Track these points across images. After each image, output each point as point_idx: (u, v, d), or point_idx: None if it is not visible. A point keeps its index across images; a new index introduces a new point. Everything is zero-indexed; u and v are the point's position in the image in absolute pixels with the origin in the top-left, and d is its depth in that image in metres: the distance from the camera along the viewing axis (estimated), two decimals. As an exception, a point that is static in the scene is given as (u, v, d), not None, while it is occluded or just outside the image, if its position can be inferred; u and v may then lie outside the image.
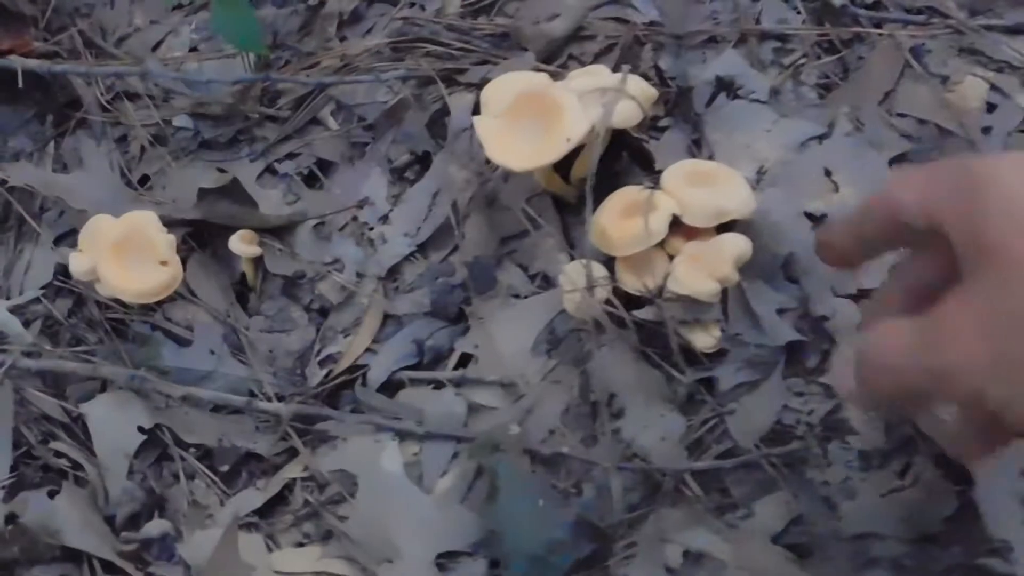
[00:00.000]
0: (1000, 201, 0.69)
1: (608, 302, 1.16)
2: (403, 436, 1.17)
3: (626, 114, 1.19)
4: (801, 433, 1.12)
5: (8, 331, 1.29)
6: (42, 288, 1.33)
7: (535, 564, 1.05)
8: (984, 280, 0.69)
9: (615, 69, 1.28)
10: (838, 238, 0.85)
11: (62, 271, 1.33)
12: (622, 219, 1.16)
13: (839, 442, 1.12)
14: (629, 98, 1.20)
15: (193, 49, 1.49)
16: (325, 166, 1.37)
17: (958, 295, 0.71)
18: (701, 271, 1.14)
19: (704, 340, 1.14)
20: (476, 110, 1.33)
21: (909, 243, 0.85)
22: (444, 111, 1.36)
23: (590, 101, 1.20)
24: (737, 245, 1.15)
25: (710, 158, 1.29)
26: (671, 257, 1.17)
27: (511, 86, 1.22)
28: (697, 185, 1.15)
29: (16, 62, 1.39)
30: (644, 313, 1.16)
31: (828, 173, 1.21)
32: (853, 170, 1.20)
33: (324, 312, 1.28)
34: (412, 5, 1.47)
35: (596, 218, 1.17)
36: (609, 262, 1.18)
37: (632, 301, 1.17)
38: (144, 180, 1.39)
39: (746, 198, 1.15)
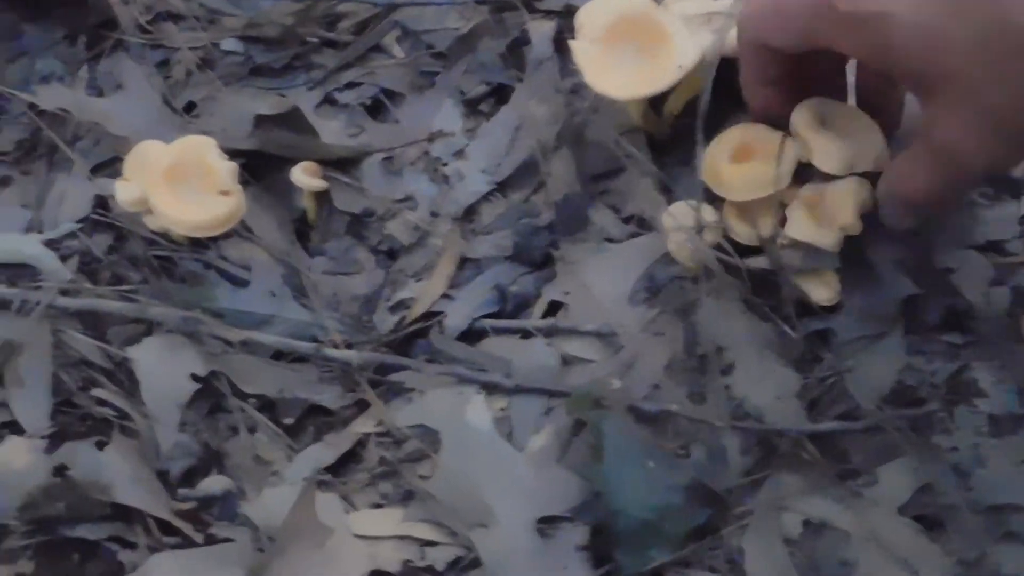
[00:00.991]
0: None
1: (718, 246, 1.05)
2: (490, 389, 1.06)
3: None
4: (925, 395, 1.03)
5: (42, 267, 1.17)
6: (79, 222, 1.20)
7: (645, 530, 0.95)
8: None
9: (714, -3, 1.17)
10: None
11: (100, 203, 1.20)
12: (737, 160, 1.05)
13: (966, 405, 1.03)
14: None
15: (240, -35, 1.37)
16: (390, 96, 1.26)
17: None
18: (821, 217, 1.04)
19: (822, 292, 1.05)
20: (558, 39, 1.23)
21: None
22: (521, 40, 1.25)
23: (696, 27, 1.10)
24: (860, 191, 1.05)
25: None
26: (782, 203, 1.07)
27: (608, 8, 1.12)
28: (828, 128, 1.04)
29: (51, -26, 1.27)
30: (757, 261, 1.06)
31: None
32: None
33: (393, 254, 1.17)
34: (486, -76, 1.35)
35: (708, 156, 1.06)
36: (714, 204, 1.08)
37: (741, 247, 1.07)
38: (190, 107, 1.27)
39: (882, 152, 1.04)
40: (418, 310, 1.13)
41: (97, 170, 1.24)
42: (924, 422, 1.02)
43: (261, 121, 1.20)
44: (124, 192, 1.11)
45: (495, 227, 1.16)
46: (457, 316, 1.12)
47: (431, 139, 1.21)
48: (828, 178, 1.06)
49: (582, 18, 1.12)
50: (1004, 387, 1.03)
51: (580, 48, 1.09)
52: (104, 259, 1.19)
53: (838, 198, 1.05)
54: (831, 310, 1.06)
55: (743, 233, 1.06)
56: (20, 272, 1.18)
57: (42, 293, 1.14)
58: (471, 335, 1.11)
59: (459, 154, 1.20)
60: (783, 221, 1.05)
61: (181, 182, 1.10)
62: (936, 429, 1.01)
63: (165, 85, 1.29)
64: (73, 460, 1.02)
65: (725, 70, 1.15)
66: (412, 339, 1.13)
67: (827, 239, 1.03)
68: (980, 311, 1.05)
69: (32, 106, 1.29)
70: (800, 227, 1.03)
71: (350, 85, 1.27)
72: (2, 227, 1.22)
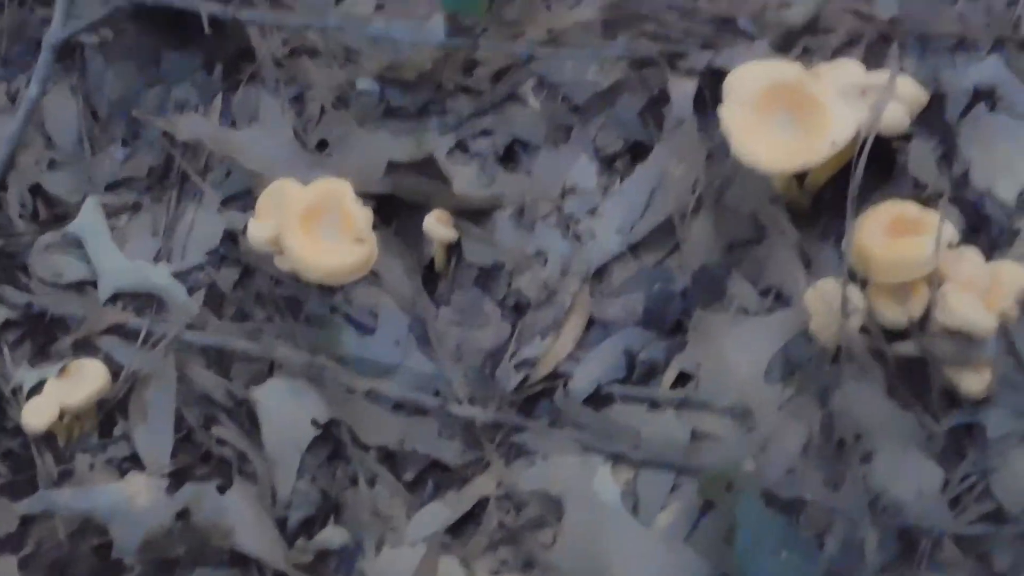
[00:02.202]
0: None
1: (863, 329, 1.02)
2: (616, 460, 1.03)
3: (895, 119, 1.05)
4: (1076, 503, 0.98)
5: (171, 299, 1.17)
6: (207, 254, 1.20)
7: (777, 622, 0.92)
8: None
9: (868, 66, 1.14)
10: None
11: (229, 237, 1.20)
12: (886, 239, 1.02)
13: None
14: (898, 101, 1.05)
15: (380, 6, 1.36)
16: (524, 147, 1.24)
17: None
18: (977, 302, 1.00)
19: (973, 383, 1.00)
20: (699, 99, 1.20)
21: None
22: (661, 98, 1.22)
23: (850, 100, 1.06)
24: (1019, 276, 1.01)
25: (964, 174, 1.15)
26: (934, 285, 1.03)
27: (760, 75, 1.08)
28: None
29: (199, 4, 1.27)
30: (905, 346, 1.02)
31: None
32: None
33: (520, 309, 1.15)
34: (627, -23, 1.33)
35: (855, 235, 1.03)
36: (859, 283, 1.04)
37: (888, 330, 1.03)
38: (322, 145, 1.27)
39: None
40: (543, 370, 1.11)
41: (228, 203, 1.24)
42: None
43: (394, 166, 1.19)
44: (257, 231, 1.10)
45: (626, 289, 1.14)
46: (583, 379, 1.09)
47: (564, 194, 1.19)
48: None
49: (733, 82, 1.08)
50: None
51: (730, 113, 1.06)
52: (229, 294, 1.18)
53: (995, 282, 1.01)
54: (980, 403, 1.01)
55: (891, 316, 1.02)
56: (147, 302, 1.19)
57: (169, 326, 1.13)
58: (597, 400, 1.09)
59: (593, 212, 1.18)
60: (934, 304, 1.01)
61: (317, 226, 1.09)
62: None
63: (299, 121, 1.28)
64: (195, 503, 1.01)
65: (875, 146, 1.12)
66: (536, 399, 1.11)
67: (984, 327, 0.99)
68: None
69: (166, 134, 1.29)
70: (954, 313, 0.99)
71: (484, 133, 1.25)
72: (132, 254, 1.22)
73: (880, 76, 1.08)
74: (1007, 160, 1.15)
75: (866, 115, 1.04)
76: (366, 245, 1.09)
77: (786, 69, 1.09)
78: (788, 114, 1.06)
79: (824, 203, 1.12)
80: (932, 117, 1.19)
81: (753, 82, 1.08)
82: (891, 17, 1.27)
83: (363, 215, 1.09)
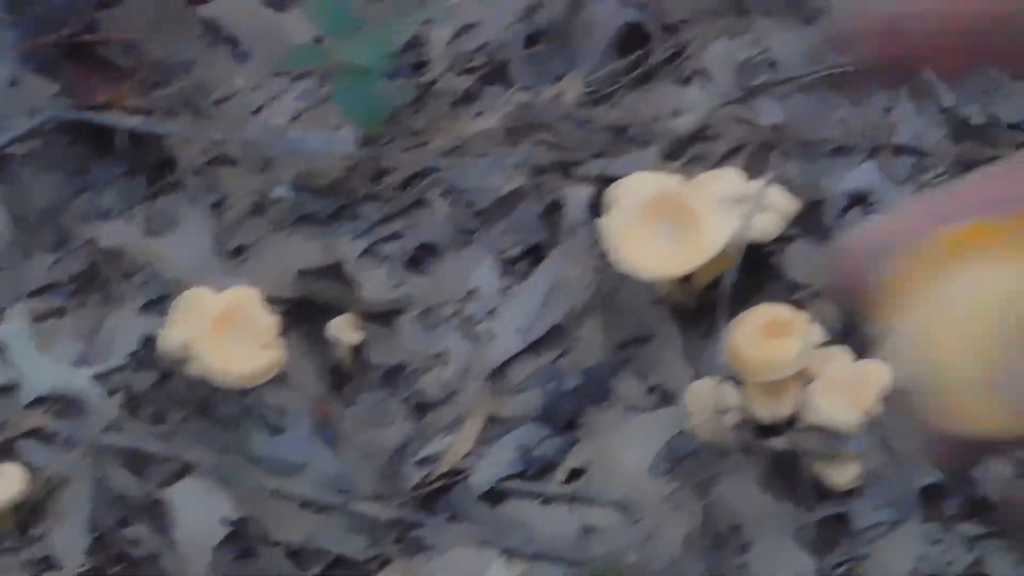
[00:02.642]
0: None
1: (737, 427, 1.08)
2: (509, 553, 1.09)
3: (766, 227, 1.13)
4: (940, 586, 1.05)
5: (90, 402, 1.22)
6: (126, 358, 1.26)
7: None
8: None
9: (747, 174, 1.22)
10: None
11: (147, 341, 1.25)
12: (759, 340, 1.09)
13: (982, 599, 1.04)
14: (769, 210, 1.13)
15: (295, 117, 1.43)
16: (430, 250, 1.31)
17: None
18: (842, 400, 1.07)
19: (840, 476, 1.07)
20: (592, 205, 1.27)
21: None
22: (558, 203, 1.29)
23: (727, 209, 1.14)
24: (881, 375, 1.08)
25: (840, 275, 1.22)
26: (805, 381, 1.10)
27: (643, 186, 1.16)
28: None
29: (115, 119, 1.34)
30: (777, 442, 1.09)
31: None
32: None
33: (424, 408, 1.21)
34: (528, 89, 1.41)
35: (730, 336, 1.10)
36: (739, 382, 1.11)
37: (763, 426, 1.10)
38: (240, 251, 1.33)
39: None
40: (444, 466, 1.16)
41: (148, 307, 1.30)
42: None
43: (304, 272, 1.25)
44: (168, 340, 1.16)
45: (524, 387, 1.20)
46: (482, 475, 1.15)
47: (467, 296, 1.25)
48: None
49: (616, 194, 1.16)
50: (1019, 579, 1.04)
51: (611, 224, 1.13)
52: (147, 396, 1.24)
53: (861, 380, 1.08)
54: (850, 494, 1.08)
55: (764, 413, 1.09)
56: (68, 405, 1.24)
57: (87, 429, 1.18)
58: (494, 495, 1.15)
59: (493, 313, 1.24)
60: (803, 403, 1.08)
61: (226, 333, 1.15)
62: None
63: (218, 227, 1.34)
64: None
65: (752, 250, 1.20)
66: (438, 495, 1.16)
67: (847, 423, 1.06)
68: (999, 503, 1.07)
69: (91, 240, 1.34)
70: (819, 409, 1.06)
71: (393, 237, 1.32)
72: (56, 358, 1.27)
73: (753, 185, 1.16)
74: (879, 260, 1.23)
75: (739, 223, 1.12)
76: (272, 351, 1.15)
77: (667, 181, 1.17)
78: (667, 224, 1.13)
79: (709, 304, 1.18)
80: (813, 220, 1.27)
81: (635, 194, 1.15)
82: (775, 124, 1.36)
83: (269, 322, 1.16)
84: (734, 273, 1.09)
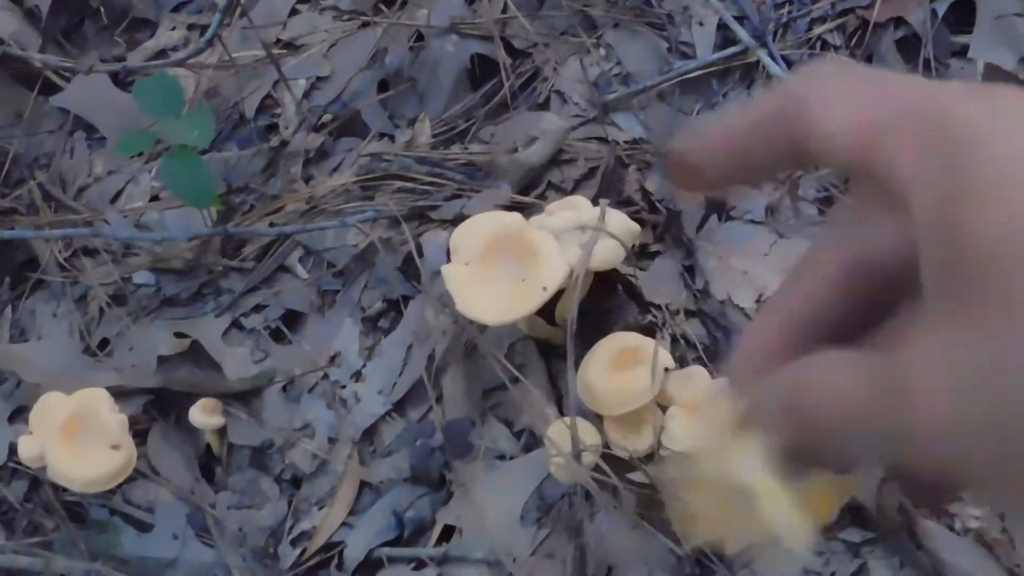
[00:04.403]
0: (998, 190, 0.42)
1: (598, 467, 1.05)
2: (381, 630, 1.06)
3: (607, 254, 1.09)
4: (824, 601, 1.01)
5: (-41, 522, 1.19)
6: (-3, 469, 1.23)
7: None
8: (969, 315, 0.43)
9: (598, 196, 1.18)
10: (707, 153, 0.52)
11: (17, 451, 1.22)
12: (610, 372, 1.05)
13: (868, 609, 1.00)
14: (609, 236, 1.09)
15: (155, 198, 1.40)
16: (294, 317, 1.28)
17: (930, 329, 0.45)
18: (699, 424, 1.03)
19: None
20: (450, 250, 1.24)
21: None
22: (418, 252, 1.26)
23: (569, 240, 1.10)
24: (737, 393, 1.04)
25: (705, 286, 1.19)
26: (664, 408, 1.06)
27: (482, 229, 1.12)
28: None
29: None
30: (638, 476, 1.05)
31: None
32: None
33: (297, 482, 1.18)
34: (382, 137, 1.38)
35: (581, 372, 1.06)
36: (600, 417, 1.08)
37: (627, 461, 1.06)
38: (104, 343, 1.30)
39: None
40: (318, 542, 1.13)
41: (15, 416, 1.27)
42: (820, 634, 0.99)
43: (164, 360, 1.22)
44: (25, 448, 1.14)
45: (393, 448, 1.17)
46: (356, 546, 1.12)
47: (331, 363, 1.22)
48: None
49: (456, 241, 1.12)
50: (909, 591, 1.00)
51: (451, 273, 1.09)
52: (20, 508, 1.21)
53: (714, 402, 1.04)
54: (721, 519, 1.04)
55: (623, 447, 1.05)
56: (-61, 528, 1.21)
57: (-44, 552, 1.16)
58: (369, 565, 1.11)
59: (356, 376, 1.21)
60: (663, 430, 1.04)
61: (75, 437, 1.12)
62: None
63: (82, 322, 1.32)
64: None
65: (609, 277, 1.16)
66: (315, 571, 1.13)
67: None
68: (877, 508, 1.03)
69: (-44, 353, 1.32)
70: (677, 438, 1.03)
71: (256, 308, 1.29)
72: (-74, 481, 1.25)
73: (595, 212, 1.12)
74: (743, 267, 1.19)
75: (579, 254, 1.08)
76: (123, 450, 1.12)
77: (506, 219, 1.13)
78: (509, 264, 1.09)
79: (577, 335, 1.15)
80: (675, 233, 1.24)
81: (474, 237, 1.12)
82: (634, 138, 1.32)
83: (117, 421, 1.13)
84: (575, 309, 1.05)
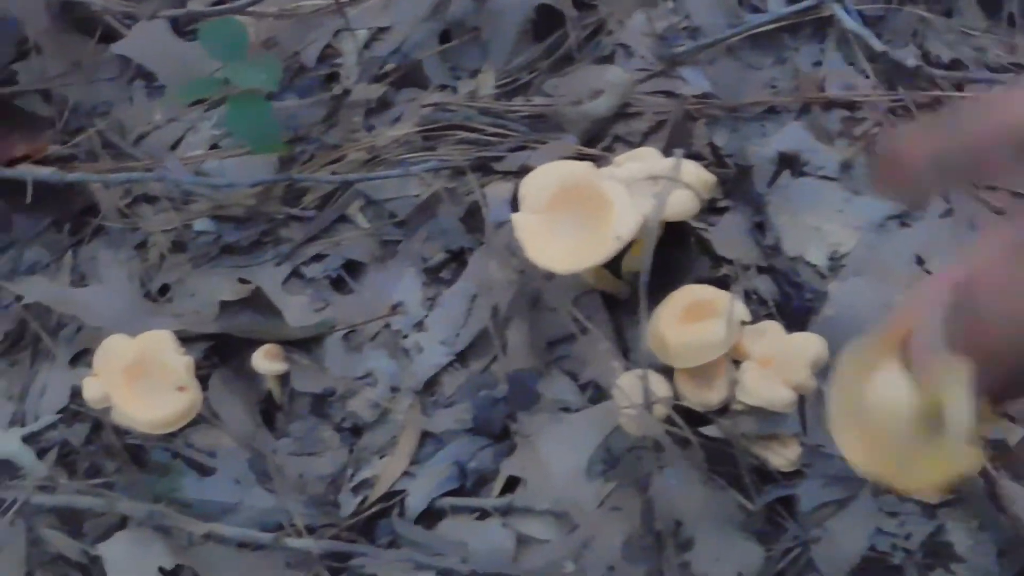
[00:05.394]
0: None
1: (669, 418, 1.03)
2: (446, 575, 1.05)
3: (681, 205, 1.07)
4: (899, 561, 0.99)
5: (21, 463, 1.19)
6: (58, 413, 1.23)
7: None
8: None
9: (667, 150, 1.16)
10: (919, 147, 0.53)
11: (79, 394, 1.22)
12: (683, 324, 1.03)
13: (943, 571, 0.98)
14: (684, 187, 1.08)
15: (214, 146, 1.39)
16: (355, 267, 1.26)
17: None
18: (773, 378, 1.01)
19: (781, 458, 1.01)
20: (515, 201, 1.22)
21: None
22: (480, 204, 1.25)
23: (640, 191, 1.08)
24: (813, 347, 1.02)
25: (776, 243, 1.17)
26: (737, 363, 1.04)
27: (551, 177, 1.11)
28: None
29: (27, 172, 1.31)
30: (711, 430, 1.03)
31: (920, 261, 1.08)
32: (949, 256, 1.07)
33: (357, 431, 1.17)
34: (443, 88, 1.36)
35: (653, 323, 1.05)
36: (669, 369, 1.06)
37: (698, 413, 1.04)
38: (164, 290, 1.29)
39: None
40: (379, 490, 1.12)
41: (76, 360, 1.27)
42: (894, 594, 0.98)
43: (225, 306, 1.22)
44: (90, 390, 1.13)
45: (455, 399, 1.16)
46: (417, 495, 1.11)
47: (392, 312, 1.21)
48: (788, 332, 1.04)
49: (526, 188, 1.11)
50: (982, 549, 0.98)
51: (521, 221, 1.08)
52: (81, 450, 1.21)
53: (791, 356, 1.02)
54: (794, 475, 1.03)
55: (695, 401, 1.03)
56: (2, 468, 1.21)
57: (18, 492, 1.15)
58: (431, 514, 1.10)
59: (419, 326, 1.20)
60: (734, 385, 1.02)
61: (140, 379, 1.12)
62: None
63: (142, 268, 1.31)
64: None
65: (680, 228, 1.14)
66: (376, 519, 1.12)
67: (780, 400, 1.00)
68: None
69: (19, 297, 1.32)
70: (751, 391, 1.01)
71: (316, 258, 1.27)
72: (-11, 422, 1.25)
73: (667, 163, 1.10)
74: (815, 224, 1.17)
75: (652, 204, 1.06)
76: (188, 393, 1.11)
77: (575, 168, 1.11)
78: (579, 213, 1.08)
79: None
80: (744, 189, 1.21)
81: (544, 186, 1.10)
82: (702, 92, 1.30)
83: (183, 363, 1.12)
84: (648, 261, 1.03)
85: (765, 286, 1.14)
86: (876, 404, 0.56)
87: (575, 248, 1.06)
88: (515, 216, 1.09)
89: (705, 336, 1.02)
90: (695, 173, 1.10)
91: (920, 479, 0.55)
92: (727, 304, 1.02)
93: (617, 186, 1.08)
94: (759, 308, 1.13)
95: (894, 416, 0.55)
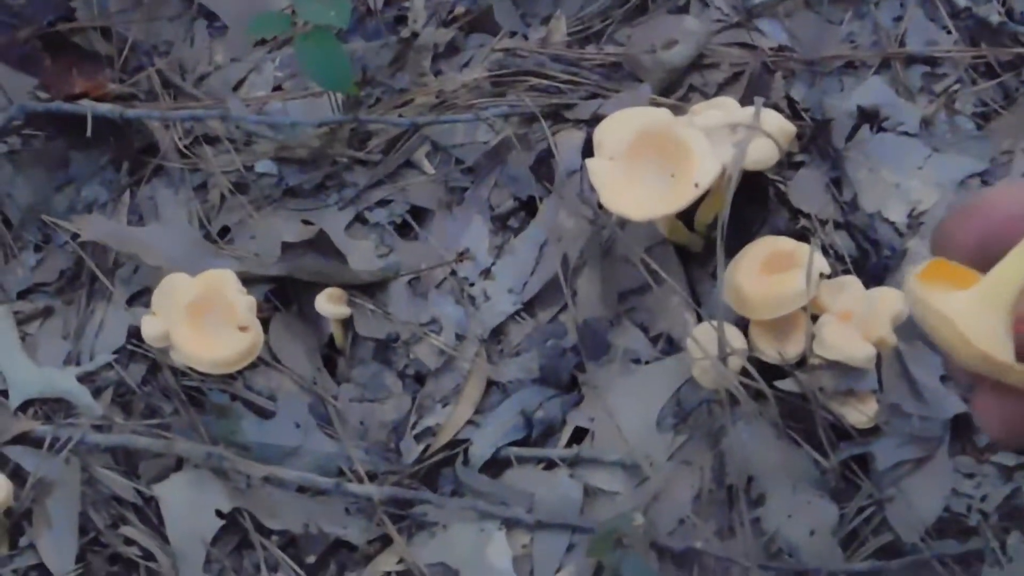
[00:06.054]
0: None
1: (744, 371, 1.00)
2: (511, 525, 1.03)
3: (762, 154, 1.04)
4: (975, 523, 0.96)
5: (76, 402, 1.18)
6: (114, 353, 1.21)
7: None
8: None
9: (744, 101, 1.13)
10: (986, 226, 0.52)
11: (136, 334, 1.21)
12: (761, 275, 1.01)
13: (1021, 533, 0.95)
14: (765, 136, 1.04)
15: (277, 88, 1.37)
16: (420, 214, 1.24)
17: None
18: (853, 333, 0.99)
19: (858, 414, 0.99)
20: (587, 149, 1.19)
21: None
22: (551, 151, 1.22)
23: (720, 139, 1.05)
24: (894, 302, 0.99)
25: (853, 199, 1.14)
26: (815, 317, 1.01)
27: (628, 123, 1.08)
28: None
29: (86, 107, 1.29)
30: (786, 384, 1.00)
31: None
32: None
33: (421, 378, 1.15)
34: (514, 34, 1.34)
35: (730, 274, 1.02)
36: (743, 322, 1.03)
37: (773, 368, 1.02)
38: (224, 232, 1.27)
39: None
40: (443, 439, 1.10)
41: (133, 300, 1.25)
42: (973, 556, 0.95)
43: (288, 248, 1.19)
44: (149, 328, 1.11)
45: (522, 348, 1.13)
46: (482, 444, 1.09)
47: (459, 259, 1.19)
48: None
49: (602, 133, 1.08)
50: (1061, 512, 0.96)
51: (596, 167, 1.05)
52: (138, 391, 1.19)
53: (870, 311, 0.99)
54: (869, 433, 1.00)
55: (772, 354, 1.01)
56: (57, 406, 1.20)
57: (73, 430, 1.14)
58: (496, 464, 1.08)
59: (486, 273, 1.17)
60: (812, 339, 1.00)
61: (202, 317, 1.10)
62: (989, 562, 0.95)
63: (202, 209, 1.29)
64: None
65: (755, 181, 1.11)
66: (439, 467, 1.10)
67: (860, 356, 0.97)
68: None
69: (75, 236, 1.30)
70: (829, 345, 0.98)
71: (381, 203, 1.25)
72: (43, 359, 1.23)
73: (746, 112, 1.07)
74: (895, 180, 1.14)
75: (732, 153, 1.03)
76: (250, 332, 1.09)
77: (654, 115, 1.09)
78: (656, 161, 1.05)
79: (715, 242, 1.10)
80: (822, 143, 1.18)
81: (621, 132, 1.07)
82: (779, 45, 1.27)
83: (245, 303, 1.10)
84: (727, 209, 1.00)
85: (842, 241, 1.11)
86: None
87: (651, 195, 1.04)
88: (589, 161, 1.06)
89: (784, 287, 0.99)
90: (776, 122, 1.07)
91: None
92: (807, 256, 0.99)
93: (697, 134, 1.05)
94: (836, 264, 1.10)
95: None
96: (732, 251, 1.05)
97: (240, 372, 1.15)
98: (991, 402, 0.52)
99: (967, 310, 0.51)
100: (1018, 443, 0.54)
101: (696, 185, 1.01)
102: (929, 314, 0.52)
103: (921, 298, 0.52)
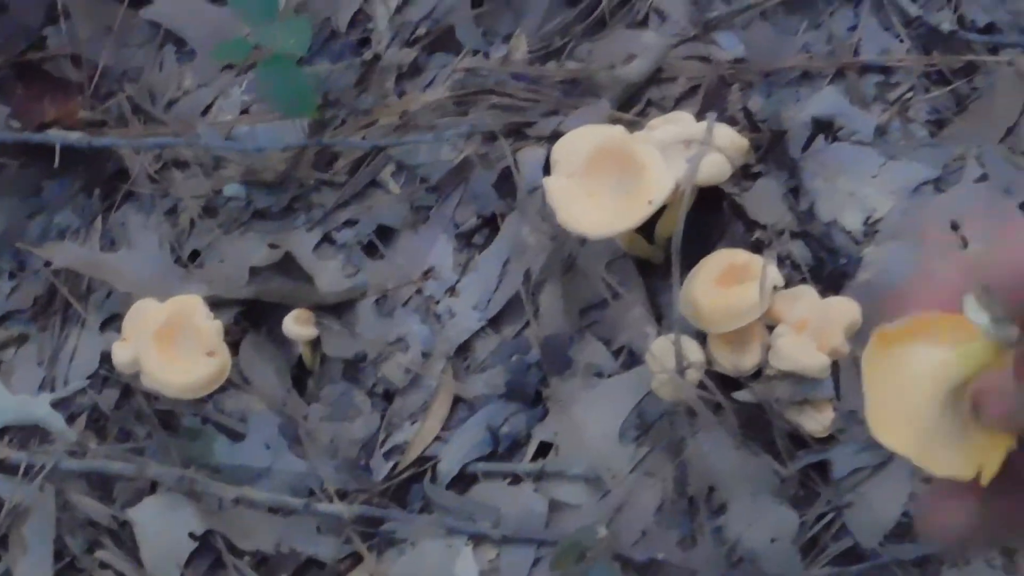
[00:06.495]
0: None
1: (702, 384, 1.02)
2: (478, 540, 1.05)
3: (714, 169, 1.06)
4: (932, 527, 0.98)
5: (51, 428, 1.20)
6: (88, 378, 1.23)
7: None
8: None
9: (700, 115, 1.15)
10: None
11: (108, 359, 1.22)
12: (716, 288, 1.02)
13: (977, 536, 0.97)
14: (717, 151, 1.06)
15: (244, 111, 1.39)
16: (386, 233, 1.26)
17: None
18: (807, 343, 1.00)
19: (815, 423, 1.01)
20: (548, 166, 1.21)
21: None
22: (512, 169, 1.24)
23: (674, 154, 1.07)
24: (848, 311, 1.01)
25: (810, 208, 1.15)
26: (771, 327, 1.03)
27: (584, 141, 1.10)
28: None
29: (55, 137, 1.31)
30: (744, 395, 1.02)
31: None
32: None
33: (389, 396, 1.17)
34: (475, 53, 1.35)
35: (686, 288, 1.04)
36: (703, 334, 1.05)
37: (732, 379, 1.03)
38: (195, 255, 1.29)
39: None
40: (411, 456, 1.12)
41: (106, 325, 1.27)
42: (933, 559, 0.97)
43: (257, 271, 1.21)
44: (119, 354, 1.13)
45: (488, 364, 1.15)
46: (450, 460, 1.11)
47: (425, 277, 1.20)
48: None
49: (558, 153, 1.10)
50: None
51: (554, 185, 1.07)
52: (111, 415, 1.21)
53: (825, 320, 1.01)
54: (827, 441, 1.02)
55: (728, 365, 1.03)
56: (31, 433, 1.21)
57: (48, 456, 1.16)
58: (463, 479, 1.10)
59: (451, 291, 1.19)
60: (771, 348, 1.02)
61: (170, 343, 1.12)
62: (948, 564, 0.96)
63: (172, 234, 1.31)
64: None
65: (713, 193, 1.13)
66: (408, 484, 1.12)
67: (814, 366, 0.99)
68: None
69: (48, 263, 1.32)
70: (784, 355, 1.00)
71: (348, 223, 1.27)
72: (19, 386, 1.25)
73: (700, 127, 1.09)
74: (850, 189, 1.16)
75: (686, 168, 1.05)
76: (218, 357, 1.11)
77: (609, 132, 1.10)
78: (613, 177, 1.07)
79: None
80: (778, 154, 1.20)
81: (577, 150, 1.09)
82: (735, 57, 1.29)
83: (213, 328, 1.12)
84: (680, 224, 1.02)
85: (799, 251, 1.13)
86: (910, 382, 0.55)
87: (608, 212, 1.05)
88: (547, 180, 1.08)
89: (739, 300, 1.01)
90: (729, 137, 1.09)
91: (950, 462, 0.54)
92: (761, 268, 1.01)
93: (651, 150, 1.07)
94: (793, 273, 1.12)
95: (927, 396, 0.54)
96: (691, 264, 1.06)
97: (211, 395, 1.17)
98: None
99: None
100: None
101: (650, 202, 1.03)
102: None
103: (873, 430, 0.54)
